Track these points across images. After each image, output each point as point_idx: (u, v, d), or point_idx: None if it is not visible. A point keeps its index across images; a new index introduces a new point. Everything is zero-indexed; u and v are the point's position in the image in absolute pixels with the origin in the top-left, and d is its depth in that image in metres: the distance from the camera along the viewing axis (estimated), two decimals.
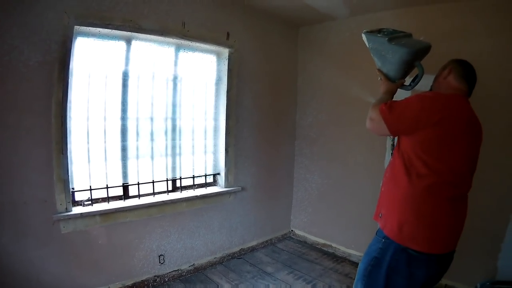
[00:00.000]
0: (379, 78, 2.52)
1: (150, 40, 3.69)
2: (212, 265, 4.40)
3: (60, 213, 3.10)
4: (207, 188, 4.45)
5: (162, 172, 4.01)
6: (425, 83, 2.47)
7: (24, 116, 2.84)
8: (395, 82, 2.45)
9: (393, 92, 2.42)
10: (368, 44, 2.49)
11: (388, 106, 2.11)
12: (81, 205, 3.34)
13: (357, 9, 4.28)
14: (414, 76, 2.43)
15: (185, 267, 4.13)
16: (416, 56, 2.35)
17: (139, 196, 3.78)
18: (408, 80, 2.49)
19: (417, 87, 2.44)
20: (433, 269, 2.08)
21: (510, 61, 3.31)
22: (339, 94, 4.79)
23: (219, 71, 4.41)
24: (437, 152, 1.99)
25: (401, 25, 3.91)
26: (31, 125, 2.89)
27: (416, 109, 2.02)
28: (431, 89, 2.39)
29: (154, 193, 3.90)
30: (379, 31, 2.45)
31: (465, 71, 2.23)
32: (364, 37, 2.50)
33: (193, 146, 4.29)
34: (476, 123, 2.15)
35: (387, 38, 2.33)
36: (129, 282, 3.64)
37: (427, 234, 2.01)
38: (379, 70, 2.52)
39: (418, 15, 3.88)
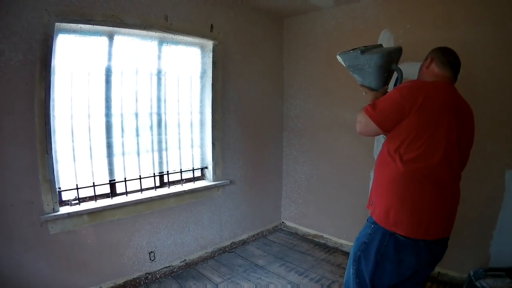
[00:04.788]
0: (364, 93, 2.58)
1: (132, 35, 3.63)
2: (203, 260, 4.38)
3: (48, 213, 3.05)
4: (195, 182, 4.41)
5: (149, 167, 3.97)
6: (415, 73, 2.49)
7: (6, 117, 2.78)
8: (379, 91, 2.49)
9: None
10: (345, 63, 2.59)
11: (371, 106, 2.18)
12: (68, 204, 3.30)
13: None
14: (395, 79, 2.51)
15: (176, 263, 4.11)
16: (390, 59, 2.42)
17: (126, 193, 3.73)
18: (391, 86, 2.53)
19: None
20: (423, 255, 2.09)
21: (495, 49, 3.31)
22: (325, 84, 4.77)
23: (203, 64, 4.36)
24: (420, 137, 2.01)
25: (385, 13, 3.95)
26: (14, 126, 2.83)
27: (397, 99, 2.05)
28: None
29: (141, 190, 3.86)
30: (352, 50, 2.54)
31: (446, 57, 2.25)
32: (339, 58, 2.61)
33: (179, 141, 4.25)
34: (464, 109, 2.18)
35: (359, 51, 2.44)
36: (121, 281, 3.61)
37: (412, 219, 2.03)
38: (362, 86, 2.58)
39: (402, 3, 3.87)
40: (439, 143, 2.00)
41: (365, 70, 2.46)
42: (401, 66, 2.51)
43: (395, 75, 2.52)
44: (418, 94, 1.99)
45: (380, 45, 2.61)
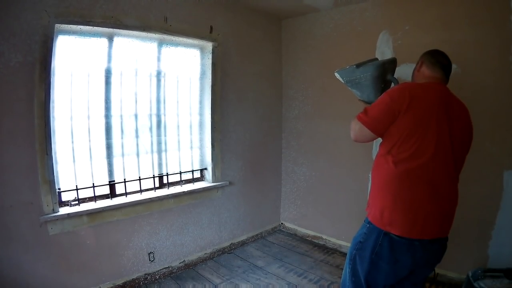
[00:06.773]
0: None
1: (132, 36, 3.64)
2: (202, 261, 4.39)
3: (47, 214, 3.05)
4: (195, 183, 4.42)
5: (148, 169, 3.97)
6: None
7: (5, 118, 2.78)
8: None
9: None
10: (343, 79, 2.67)
11: (363, 112, 2.23)
12: (68, 205, 3.30)
13: (340, 0, 4.25)
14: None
15: (175, 264, 4.11)
16: (384, 69, 2.50)
17: (126, 194, 3.74)
18: None
19: None
20: (418, 255, 2.10)
21: (494, 50, 3.31)
22: (323, 86, 4.77)
23: (203, 65, 4.36)
24: (410, 137, 2.03)
25: (384, 15, 3.96)
26: (13, 127, 2.84)
27: (387, 102, 2.10)
28: None
29: (141, 191, 3.86)
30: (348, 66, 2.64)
31: (436, 58, 2.29)
32: (337, 75, 2.70)
33: (178, 142, 4.25)
34: (457, 109, 2.19)
35: (354, 66, 2.53)
36: (120, 282, 3.61)
37: (406, 218, 2.05)
38: (360, 100, 2.70)
39: (401, 5, 3.88)
40: (430, 143, 2.02)
41: (362, 84, 2.53)
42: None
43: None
44: (406, 95, 2.03)
45: (376, 59, 2.67)
